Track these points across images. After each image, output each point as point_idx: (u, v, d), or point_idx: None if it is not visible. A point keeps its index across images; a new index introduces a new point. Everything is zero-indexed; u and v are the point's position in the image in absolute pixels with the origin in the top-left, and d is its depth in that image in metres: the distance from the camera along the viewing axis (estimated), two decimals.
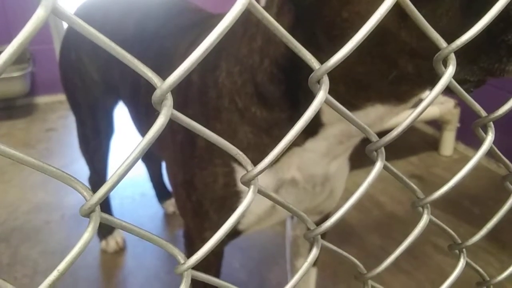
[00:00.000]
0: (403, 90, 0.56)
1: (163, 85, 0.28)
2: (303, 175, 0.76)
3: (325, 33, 0.53)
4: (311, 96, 0.63)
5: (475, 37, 0.36)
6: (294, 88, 0.65)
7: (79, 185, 0.31)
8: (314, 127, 0.66)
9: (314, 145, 0.70)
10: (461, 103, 2.18)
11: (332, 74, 0.34)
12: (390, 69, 0.51)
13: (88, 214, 0.31)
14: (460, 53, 0.37)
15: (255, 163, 0.35)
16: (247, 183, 0.35)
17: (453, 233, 0.48)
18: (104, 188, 0.30)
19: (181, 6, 1.18)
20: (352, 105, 0.60)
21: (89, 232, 0.31)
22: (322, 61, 0.33)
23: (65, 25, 2.88)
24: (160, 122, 0.29)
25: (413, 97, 0.57)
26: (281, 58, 0.64)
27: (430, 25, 0.36)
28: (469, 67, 0.41)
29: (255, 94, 0.69)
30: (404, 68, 0.50)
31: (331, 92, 0.34)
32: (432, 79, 0.50)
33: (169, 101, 0.29)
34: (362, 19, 0.48)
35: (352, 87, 0.56)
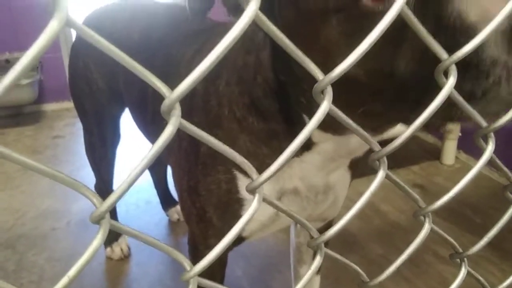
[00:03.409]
0: (375, 125, 0.58)
1: (172, 95, 0.29)
2: (304, 184, 0.77)
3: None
4: (302, 120, 0.64)
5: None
6: (286, 107, 0.67)
7: (89, 192, 0.32)
8: (307, 143, 0.67)
9: (310, 158, 0.71)
10: None
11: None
12: (359, 105, 0.51)
13: (98, 221, 0.32)
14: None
15: None
16: (253, 191, 0.36)
17: (454, 242, 0.49)
18: (114, 196, 0.31)
19: (186, 14, 1.19)
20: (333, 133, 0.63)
21: (98, 239, 0.32)
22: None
23: (74, 34, 2.91)
24: (168, 131, 0.30)
25: (386, 130, 0.59)
26: (271, 81, 0.66)
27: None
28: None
29: (252, 105, 0.71)
30: (372, 106, 0.51)
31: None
32: (402, 117, 0.51)
33: (177, 110, 0.30)
34: (321, 67, 0.48)
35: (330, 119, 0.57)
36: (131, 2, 1.35)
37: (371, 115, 0.52)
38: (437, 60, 0.38)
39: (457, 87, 0.38)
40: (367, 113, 0.51)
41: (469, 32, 0.40)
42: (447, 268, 1.55)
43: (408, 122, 0.50)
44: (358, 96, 0.50)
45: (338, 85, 0.34)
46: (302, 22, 0.50)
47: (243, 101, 0.71)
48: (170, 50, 1.01)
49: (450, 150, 2.27)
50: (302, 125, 0.68)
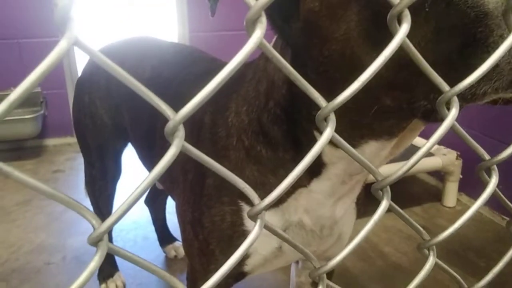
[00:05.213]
0: (390, 124, 0.58)
1: (176, 116, 0.29)
2: (310, 217, 0.77)
3: (314, 71, 0.57)
4: (311, 137, 0.65)
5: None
6: (295, 129, 0.68)
7: (88, 213, 0.31)
8: (317, 167, 0.68)
9: (319, 185, 0.71)
10: (463, 155, 2.19)
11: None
12: (372, 104, 0.53)
13: (96, 243, 0.31)
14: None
15: None
16: (254, 217, 0.35)
17: (459, 278, 0.48)
18: (113, 217, 0.30)
19: (196, 55, 1.22)
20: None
21: (95, 261, 0.31)
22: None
23: (79, 71, 2.96)
24: (171, 153, 0.30)
25: (401, 130, 0.58)
26: (283, 99, 0.68)
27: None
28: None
29: (261, 133, 0.72)
30: (384, 101, 0.52)
31: None
32: (413, 110, 0.51)
33: (181, 132, 0.30)
34: (339, 56, 0.53)
35: (347, 126, 0.58)
36: (140, 41, 1.38)
37: (384, 112, 0.53)
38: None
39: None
40: (382, 111, 0.53)
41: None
42: None
43: (422, 113, 0.50)
44: (371, 90, 0.51)
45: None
46: (325, 12, 0.53)
47: (252, 129, 0.73)
48: (180, 88, 1.03)
49: (451, 192, 2.26)
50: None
